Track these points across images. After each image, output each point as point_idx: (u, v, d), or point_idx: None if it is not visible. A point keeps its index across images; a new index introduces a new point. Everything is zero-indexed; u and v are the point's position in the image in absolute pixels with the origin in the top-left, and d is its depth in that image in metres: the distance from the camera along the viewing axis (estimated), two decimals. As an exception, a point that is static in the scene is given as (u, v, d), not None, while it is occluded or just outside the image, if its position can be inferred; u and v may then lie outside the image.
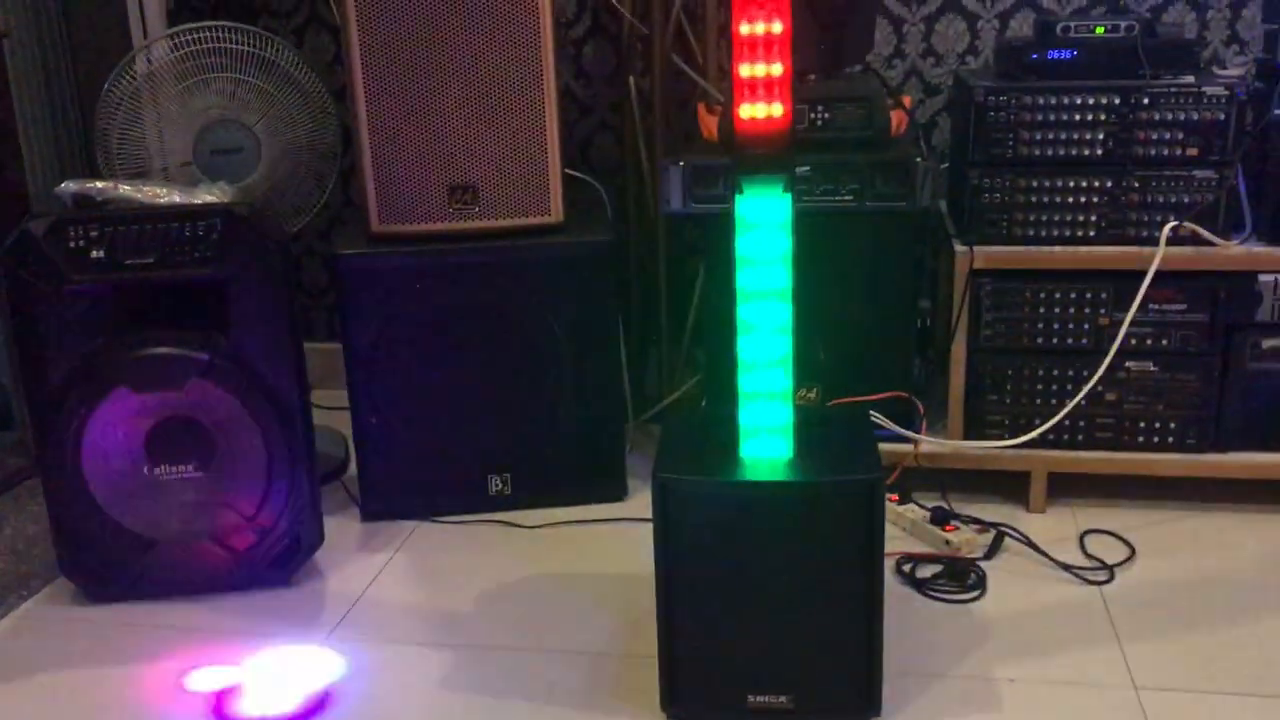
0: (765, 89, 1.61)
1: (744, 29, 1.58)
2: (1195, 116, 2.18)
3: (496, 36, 2.22)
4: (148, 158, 2.32)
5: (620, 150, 2.86)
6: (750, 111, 1.62)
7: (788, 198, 1.64)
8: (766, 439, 1.73)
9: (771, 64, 1.59)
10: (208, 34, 2.29)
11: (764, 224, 1.66)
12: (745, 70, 1.60)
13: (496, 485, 2.43)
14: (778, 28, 1.58)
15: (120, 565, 2.12)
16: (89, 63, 2.49)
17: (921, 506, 2.31)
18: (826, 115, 2.30)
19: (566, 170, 2.35)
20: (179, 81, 2.30)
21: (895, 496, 2.33)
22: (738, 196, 1.65)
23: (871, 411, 2.20)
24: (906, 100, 2.45)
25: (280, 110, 2.36)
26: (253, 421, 2.07)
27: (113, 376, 2.03)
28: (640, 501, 2.40)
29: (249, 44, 2.32)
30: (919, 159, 2.24)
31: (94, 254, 2.01)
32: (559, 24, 2.79)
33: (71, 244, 2.00)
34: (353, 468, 2.49)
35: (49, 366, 2.04)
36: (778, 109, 1.62)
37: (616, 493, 2.46)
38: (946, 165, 2.58)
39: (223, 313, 2.06)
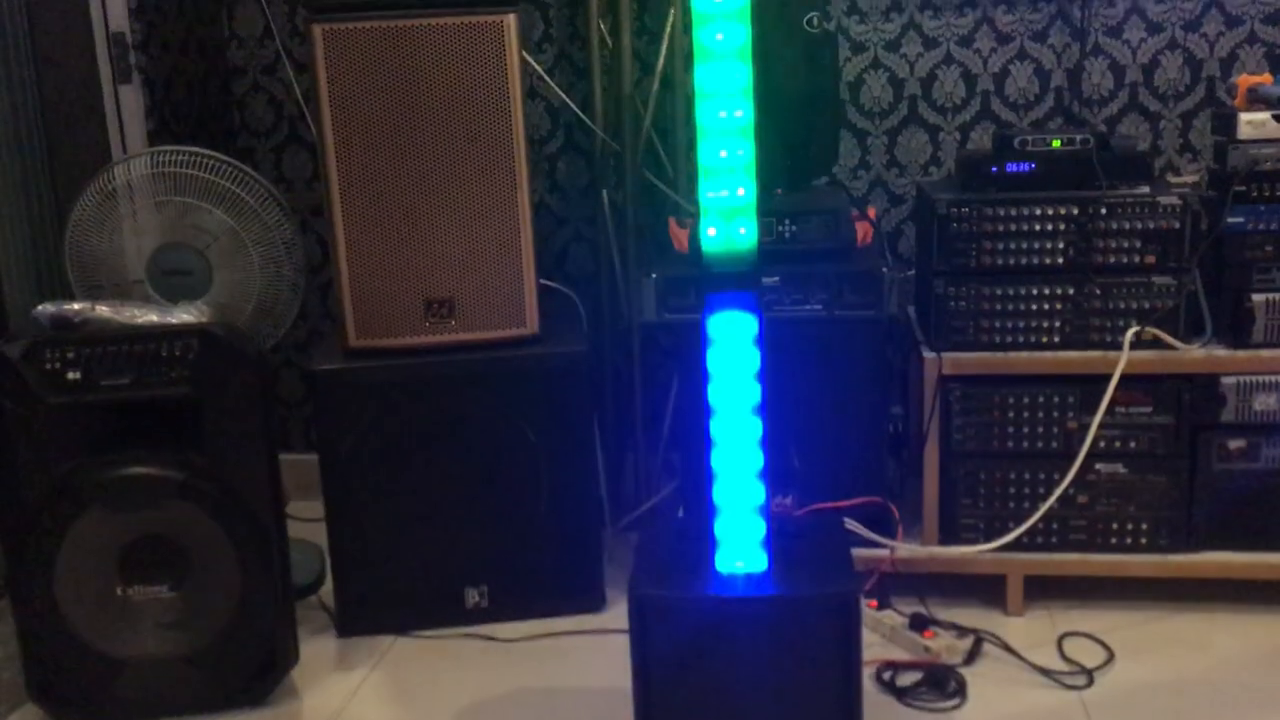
0: (731, 212, 1.65)
1: (708, 155, 1.63)
2: (1151, 225, 2.25)
3: (472, 154, 2.27)
4: (109, 275, 2.32)
5: (595, 260, 2.91)
6: (717, 233, 1.66)
7: (755, 316, 1.68)
8: (741, 552, 1.74)
9: (736, 189, 1.64)
10: (182, 157, 2.32)
11: (733, 341, 1.69)
12: (711, 194, 1.65)
13: (474, 598, 2.41)
14: (742, 153, 1.63)
15: (90, 688, 2.09)
16: (68, 183, 2.53)
17: (899, 613, 2.31)
18: (794, 228, 2.35)
19: (541, 281, 2.39)
20: (144, 200, 2.32)
21: (874, 602, 2.33)
22: (707, 316, 1.68)
23: (846, 519, 2.21)
24: (871, 211, 2.51)
25: (239, 243, 2.36)
26: (228, 540, 2.07)
27: (87, 497, 2.02)
28: (619, 611, 2.39)
29: (220, 175, 2.33)
30: (885, 269, 2.30)
31: (70, 375, 2.02)
32: (533, 141, 2.86)
33: (48, 366, 2.02)
34: (329, 582, 2.47)
35: (23, 487, 2.04)
36: (744, 230, 1.66)
37: (594, 603, 2.45)
38: (913, 272, 2.64)
39: (199, 431, 2.06)
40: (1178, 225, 2.24)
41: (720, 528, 1.74)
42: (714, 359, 1.71)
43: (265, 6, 2.83)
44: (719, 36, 1.60)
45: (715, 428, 1.72)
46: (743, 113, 1.63)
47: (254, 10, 2.87)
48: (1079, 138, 2.30)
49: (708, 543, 1.74)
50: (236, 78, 2.94)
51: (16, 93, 2.49)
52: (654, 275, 2.38)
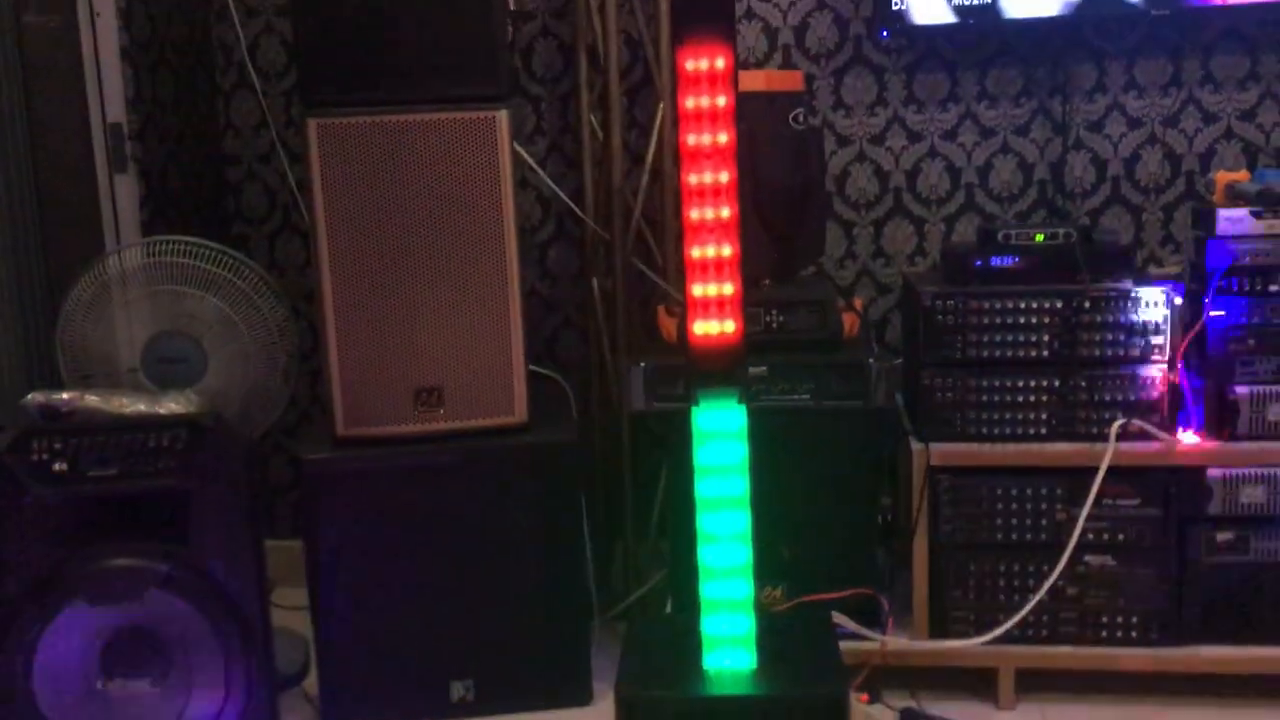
0: (717, 307, 1.67)
1: (695, 252, 1.66)
2: (1135, 318, 2.27)
3: (463, 242, 2.29)
4: (101, 364, 2.33)
5: (585, 346, 2.93)
6: (704, 329, 1.68)
7: (743, 409, 1.69)
8: (729, 649, 1.73)
9: (723, 284, 1.67)
10: (177, 247, 2.34)
11: (721, 434, 1.70)
12: (698, 290, 1.67)
13: (459, 692, 2.38)
14: (728, 251, 1.66)
15: (68, 786, 2.05)
16: (61, 272, 2.55)
17: (890, 707, 2.28)
18: (781, 319, 2.37)
19: (531, 367, 2.40)
20: (138, 289, 2.34)
21: (865, 696, 2.30)
22: (694, 408, 1.69)
23: (836, 611, 2.20)
24: (858, 302, 2.54)
25: (234, 329, 2.38)
26: (212, 633, 2.05)
27: (70, 589, 2.01)
28: (606, 706, 2.35)
29: (214, 263, 2.35)
30: (872, 360, 2.31)
31: (56, 466, 2.02)
32: (525, 229, 2.90)
33: (35, 457, 2.01)
34: (313, 672, 2.44)
35: (5, 577, 2.02)
36: (730, 326, 1.68)
37: (582, 698, 2.42)
38: (900, 361, 2.65)
39: (185, 522, 2.06)
40: (1161, 319, 2.26)
41: (708, 623, 1.73)
42: (702, 452, 1.71)
43: (261, 98, 2.88)
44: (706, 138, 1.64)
45: (703, 521, 1.72)
46: (728, 212, 1.65)
47: (251, 101, 2.92)
48: (1062, 232, 2.34)
49: (695, 638, 1.73)
50: (232, 166, 2.98)
51: (13, 181, 2.51)
52: (643, 364, 2.39)
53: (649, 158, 2.79)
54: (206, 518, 2.06)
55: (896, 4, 2.60)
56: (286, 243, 3.00)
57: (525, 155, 2.80)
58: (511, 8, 2.56)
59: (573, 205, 2.83)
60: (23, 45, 2.52)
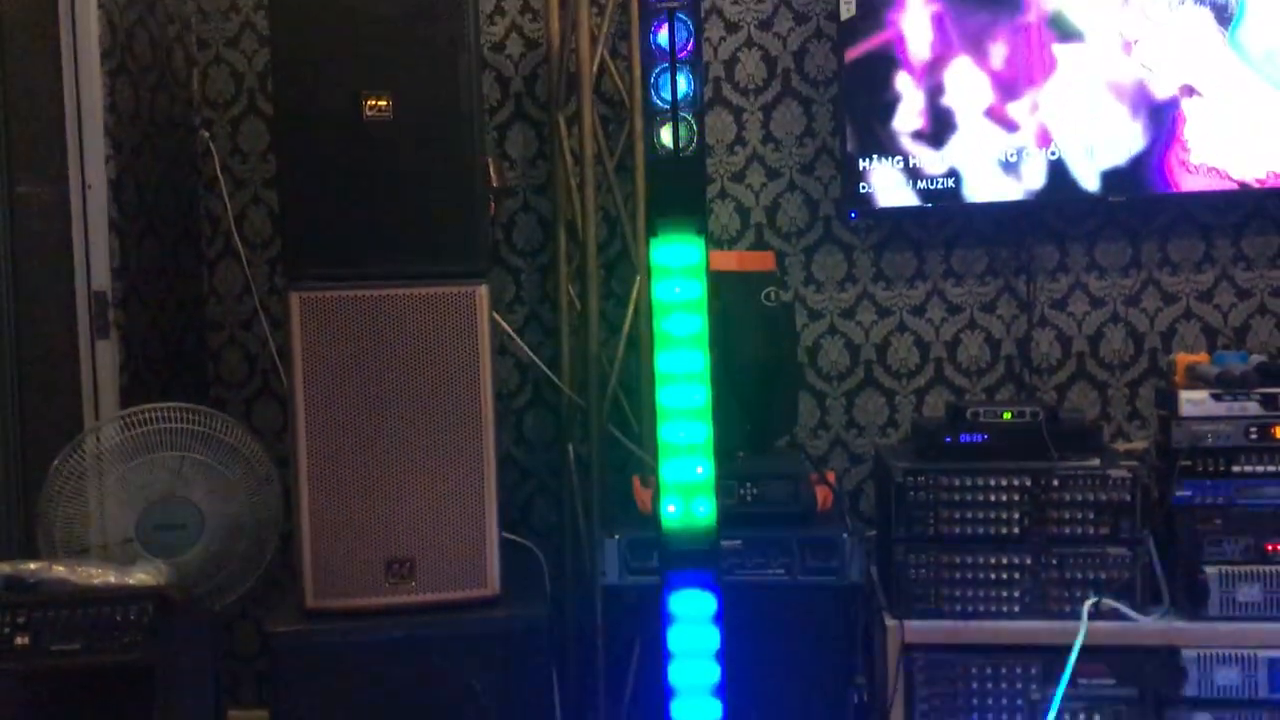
0: (690, 490, 1.69)
1: (667, 436, 1.69)
2: (1103, 497, 2.30)
3: (440, 411, 2.31)
4: (87, 536, 2.33)
5: (559, 514, 2.93)
6: (677, 511, 1.69)
7: (715, 595, 1.69)
8: (700, 841, 1.69)
9: (695, 468, 1.69)
10: (158, 414, 2.36)
11: (694, 619, 1.70)
12: (669, 474, 1.69)
13: None
14: (701, 436, 1.69)
15: None
16: (38, 443, 2.55)
17: None
18: (755, 491, 2.39)
19: (504, 534, 2.39)
20: (126, 460, 2.35)
21: None
22: (668, 593, 1.69)
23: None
24: (830, 475, 2.56)
25: (223, 483, 2.40)
26: (168, 816, 1.98)
27: (24, 770, 1.95)
28: None
29: (197, 423, 2.38)
30: (845, 535, 2.32)
31: (19, 640, 1.98)
32: (501, 395, 2.93)
33: (-3, 630, 1.98)
34: None
35: (-42, 757, 1.97)
36: (703, 508, 1.69)
37: None
38: (874, 533, 2.66)
39: (149, 696, 2.01)
40: (1128, 498, 2.29)
41: (679, 813, 1.69)
42: (674, 637, 1.71)
43: (246, 267, 2.93)
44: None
45: (676, 708, 1.70)
46: (700, 397, 1.69)
47: (235, 269, 2.97)
48: (1029, 410, 2.38)
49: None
50: (213, 332, 3.01)
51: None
52: (617, 537, 2.39)
53: (625, 327, 2.84)
54: (172, 692, 2.02)
55: (863, 188, 2.70)
56: (264, 407, 3.01)
57: (504, 324, 2.85)
58: (494, 184, 2.65)
59: (549, 373, 2.87)
60: (14, 215, 2.57)
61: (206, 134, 2.95)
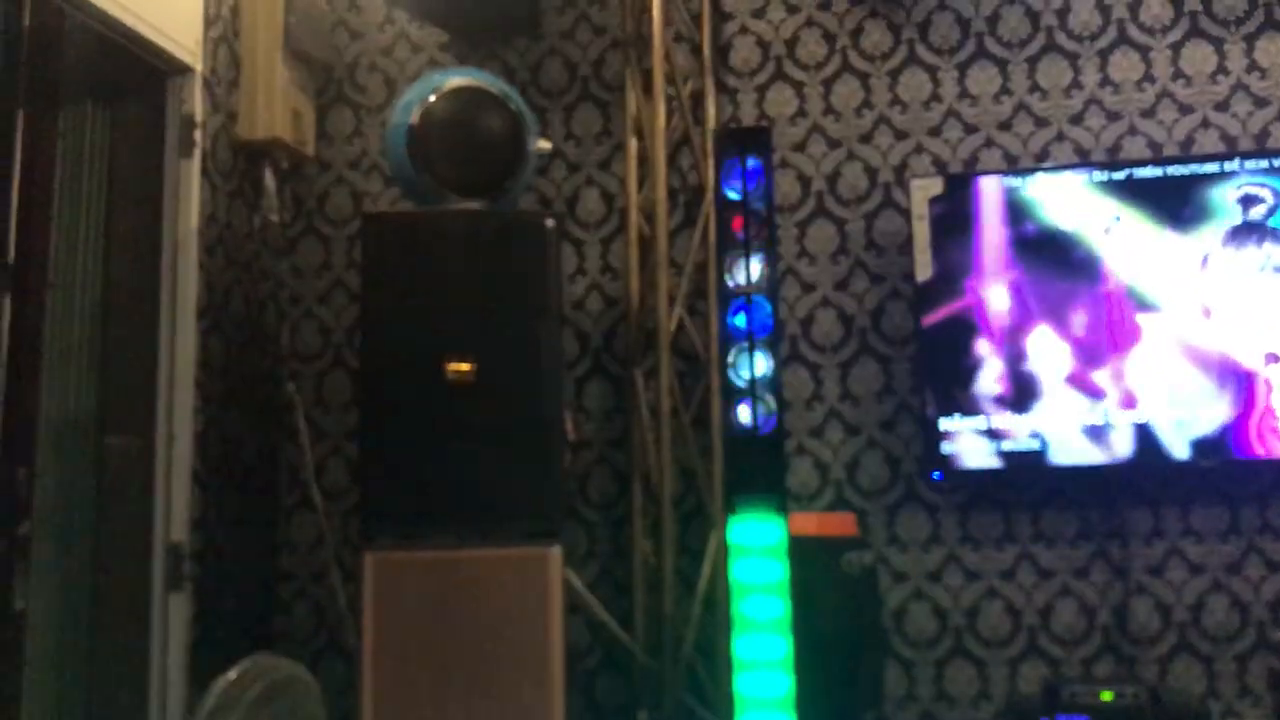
0: (772, 789, 1.58)
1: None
2: (1220, 793, 2.12)
3: (507, 670, 2.25)
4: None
5: (631, 785, 2.77)
6: (757, 813, 1.58)
7: None
8: None
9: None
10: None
11: None
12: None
13: None
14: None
15: None
16: (98, 692, 2.51)
17: None
18: (840, 773, 2.24)
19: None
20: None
21: None
22: None
23: None
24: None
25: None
26: None
27: None
28: None
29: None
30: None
31: None
32: (572, 656, 2.82)
33: None
34: None
35: None
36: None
37: None
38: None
39: None
40: (1249, 794, 2.11)
41: None
42: None
43: (323, 518, 2.92)
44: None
45: None
46: (783, 686, 1.60)
47: (310, 520, 2.96)
48: (1130, 690, 2.24)
49: None
50: (284, 583, 2.99)
51: (70, 605, 2.51)
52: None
53: (702, 585, 2.76)
54: None
55: (946, 448, 2.65)
56: (330, 664, 2.94)
57: (577, 581, 2.78)
58: (570, 438, 2.64)
59: (623, 634, 2.78)
60: (101, 466, 2.61)
61: (293, 386, 3.01)
